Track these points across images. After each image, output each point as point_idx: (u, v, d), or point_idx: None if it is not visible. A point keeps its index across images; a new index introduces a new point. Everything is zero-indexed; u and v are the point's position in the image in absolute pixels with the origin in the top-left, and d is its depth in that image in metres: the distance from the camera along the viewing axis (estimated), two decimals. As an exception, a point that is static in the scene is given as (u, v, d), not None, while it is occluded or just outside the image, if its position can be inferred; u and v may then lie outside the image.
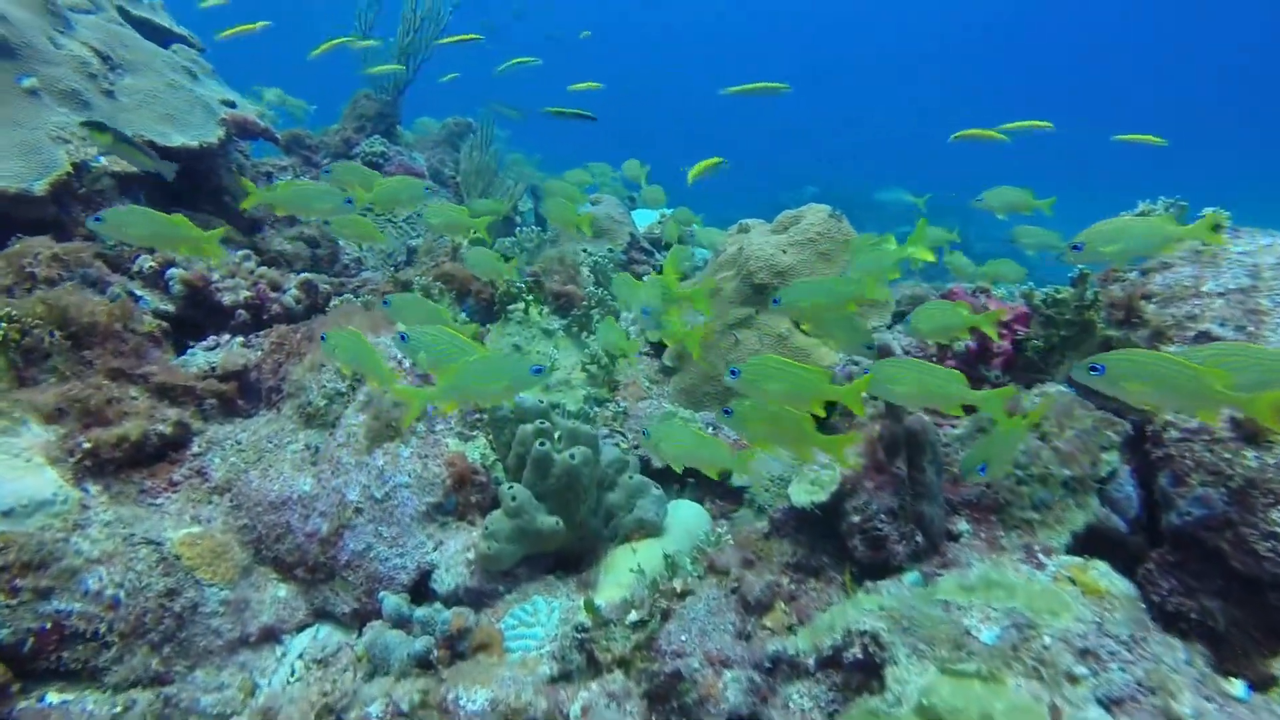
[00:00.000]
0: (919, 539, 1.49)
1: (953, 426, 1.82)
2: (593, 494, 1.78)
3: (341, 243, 4.13)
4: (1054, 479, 1.51)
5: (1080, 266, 1.84)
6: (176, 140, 2.77)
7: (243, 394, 2.14)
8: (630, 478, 1.86)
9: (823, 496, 1.72)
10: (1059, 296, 1.88)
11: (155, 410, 1.87)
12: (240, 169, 3.34)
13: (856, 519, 1.62)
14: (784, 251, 2.72)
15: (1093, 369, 1.17)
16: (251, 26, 4.47)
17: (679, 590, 1.54)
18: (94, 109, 2.58)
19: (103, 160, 2.48)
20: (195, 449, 1.92)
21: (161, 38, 3.97)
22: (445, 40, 4.83)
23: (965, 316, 1.60)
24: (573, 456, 1.70)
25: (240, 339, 2.27)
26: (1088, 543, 1.50)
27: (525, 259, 2.99)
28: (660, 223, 4.18)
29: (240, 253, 2.82)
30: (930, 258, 1.74)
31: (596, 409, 2.52)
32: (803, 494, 1.81)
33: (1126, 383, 1.15)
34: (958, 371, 1.36)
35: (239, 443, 1.95)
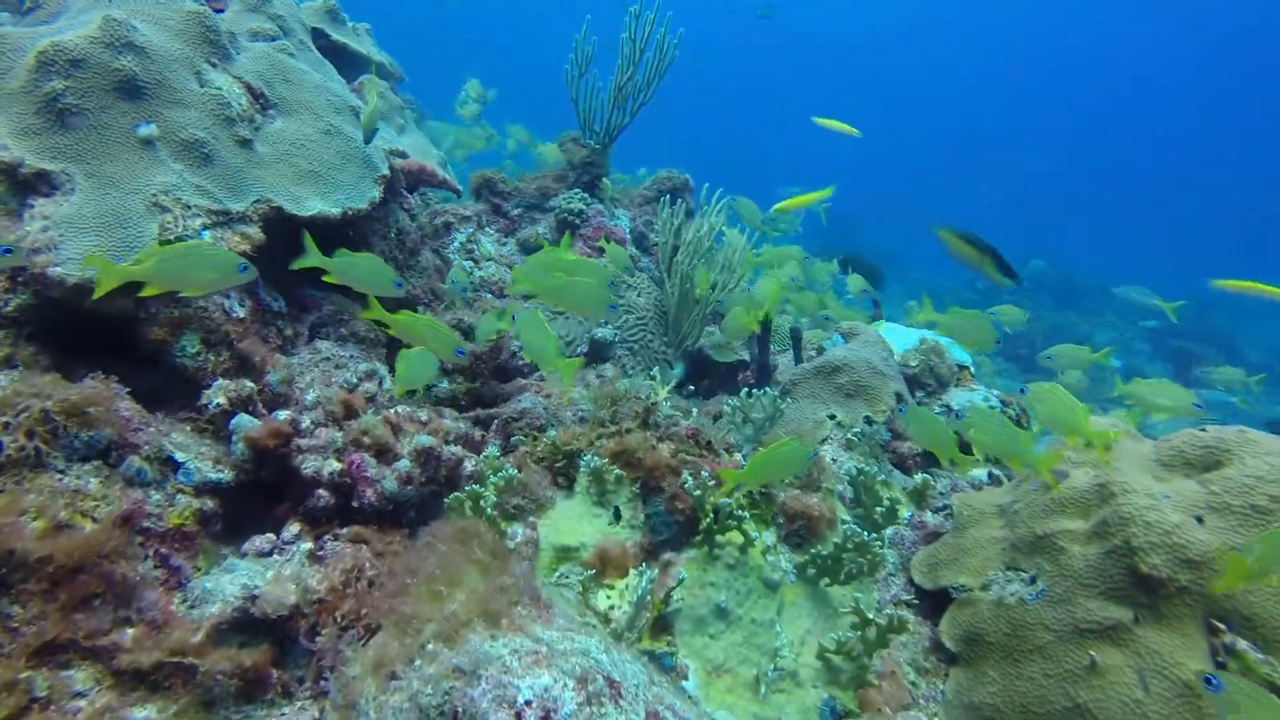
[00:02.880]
0: None
1: None
2: None
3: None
4: None
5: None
6: (312, 207, 2.11)
7: (282, 658, 1.35)
8: None
9: None
10: None
11: (111, 715, 1.10)
12: (400, 234, 2.69)
13: None
14: (1199, 519, 1.55)
15: None
16: None
17: None
18: (217, 163, 1.97)
19: (206, 236, 1.85)
20: (164, 788, 1.13)
21: (356, 66, 3.49)
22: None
23: None
24: None
25: (308, 545, 1.49)
26: None
27: (749, 432, 2.01)
28: (920, 350, 3.07)
29: (362, 367, 2.10)
30: None
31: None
32: None
33: None
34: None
35: (233, 790, 1.14)
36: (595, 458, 1.77)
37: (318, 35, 3.36)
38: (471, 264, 3.80)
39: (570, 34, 4.11)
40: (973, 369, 3.34)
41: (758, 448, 1.92)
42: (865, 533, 1.66)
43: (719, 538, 1.62)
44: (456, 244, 3.87)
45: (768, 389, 1.96)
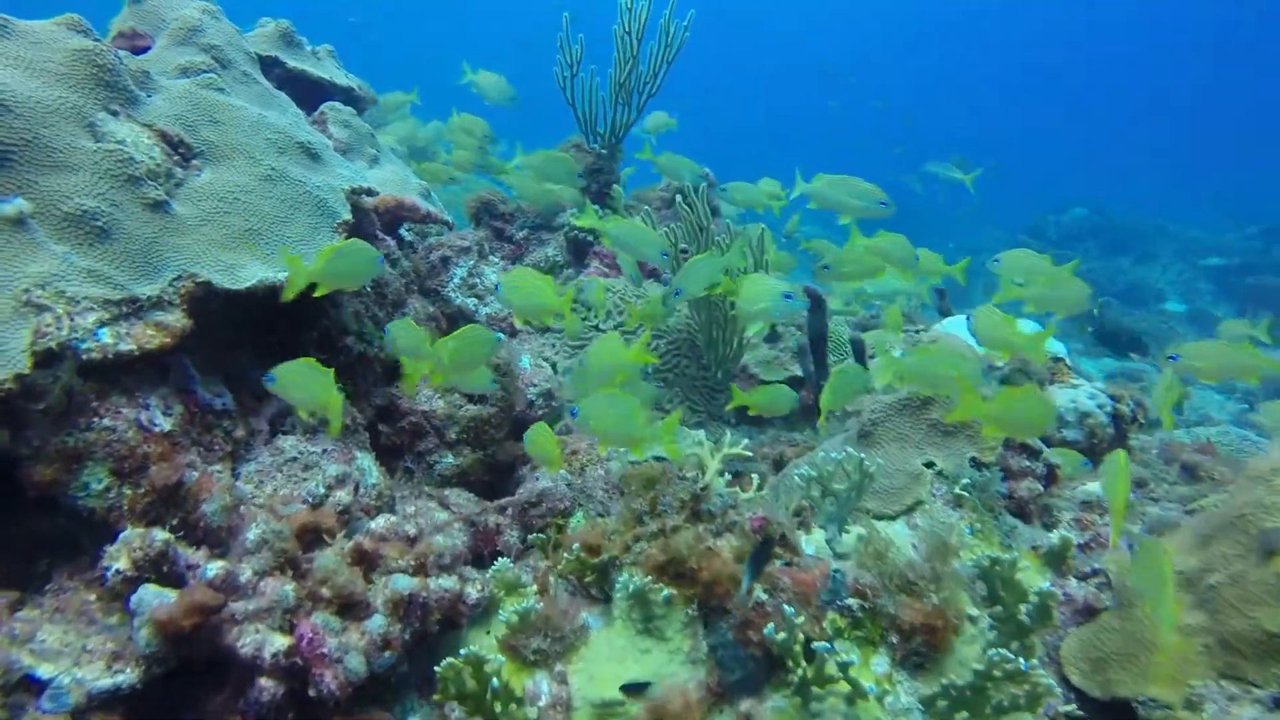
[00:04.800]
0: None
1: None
2: None
3: (527, 365, 2.99)
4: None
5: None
6: (250, 275, 1.68)
7: None
8: None
9: None
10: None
11: None
12: (378, 286, 2.26)
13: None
14: None
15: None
16: None
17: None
18: (118, 237, 1.55)
19: (104, 335, 1.43)
20: None
21: (319, 94, 3.08)
22: None
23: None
24: None
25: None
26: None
27: (830, 509, 1.53)
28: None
29: (331, 470, 1.67)
30: None
31: None
32: None
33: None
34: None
35: None
36: (636, 575, 1.31)
37: (273, 64, 2.96)
38: (475, 300, 3.37)
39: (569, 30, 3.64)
40: (1068, 360, 2.81)
41: (844, 529, 1.45)
42: (1019, 657, 1.17)
43: (816, 689, 1.15)
44: (457, 279, 3.43)
45: (849, 450, 1.48)
